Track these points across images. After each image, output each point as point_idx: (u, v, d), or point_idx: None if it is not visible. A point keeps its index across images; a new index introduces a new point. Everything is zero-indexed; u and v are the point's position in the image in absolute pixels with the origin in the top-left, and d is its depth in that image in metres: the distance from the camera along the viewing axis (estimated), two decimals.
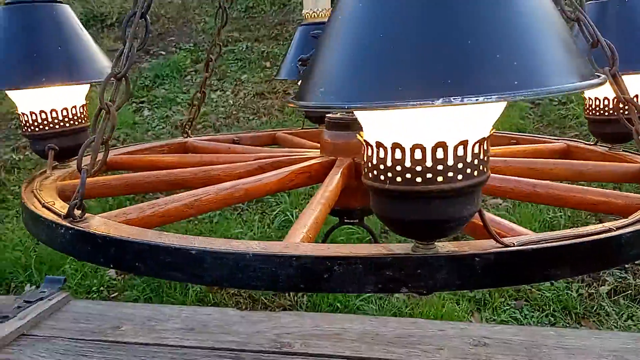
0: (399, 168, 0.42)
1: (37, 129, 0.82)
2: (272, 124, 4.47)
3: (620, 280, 2.80)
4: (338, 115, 0.89)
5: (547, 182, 0.71)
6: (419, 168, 0.41)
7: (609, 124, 0.93)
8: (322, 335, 1.36)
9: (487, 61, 0.36)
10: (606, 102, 0.92)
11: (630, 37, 0.87)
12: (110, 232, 0.51)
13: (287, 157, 0.89)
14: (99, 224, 0.55)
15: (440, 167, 0.40)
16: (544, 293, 2.73)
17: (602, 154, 0.96)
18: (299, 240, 0.49)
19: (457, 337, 1.37)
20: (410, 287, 0.44)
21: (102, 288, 2.85)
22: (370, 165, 0.43)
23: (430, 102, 0.34)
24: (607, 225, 0.51)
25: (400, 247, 0.46)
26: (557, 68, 0.38)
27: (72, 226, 0.54)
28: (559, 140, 1.07)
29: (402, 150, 0.42)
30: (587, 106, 0.95)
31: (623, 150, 0.96)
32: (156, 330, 1.38)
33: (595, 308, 2.68)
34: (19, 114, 0.84)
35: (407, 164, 0.41)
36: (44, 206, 0.62)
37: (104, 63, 0.84)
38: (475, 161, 0.41)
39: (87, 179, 0.58)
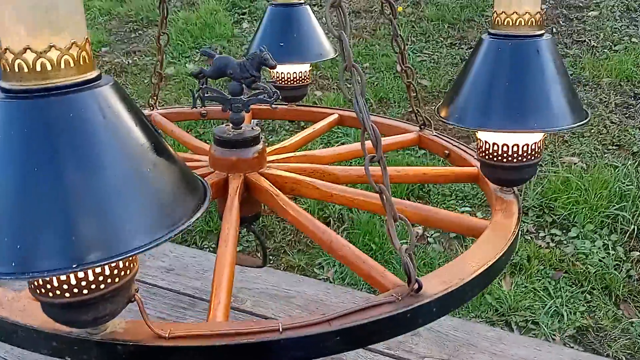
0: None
1: None
2: (358, 47, 4.40)
3: None
4: (226, 135, 0.95)
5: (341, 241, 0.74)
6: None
7: (496, 169, 0.89)
8: (275, 296, 1.50)
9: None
10: (495, 148, 0.87)
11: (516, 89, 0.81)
12: None
13: None
14: None
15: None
16: (588, 268, 2.59)
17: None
18: None
19: None
20: (71, 357, 0.54)
21: None
22: (34, 285, 0.51)
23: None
24: (281, 323, 0.56)
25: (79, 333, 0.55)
26: (136, 231, 0.44)
27: None
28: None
29: None
30: (478, 148, 0.90)
31: (507, 190, 0.92)
32: (144, 265, 1.60)
33: None
34: None
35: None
36: None
37: None
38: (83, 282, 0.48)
39: None
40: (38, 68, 0.43)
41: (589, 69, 3.79)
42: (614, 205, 2.82)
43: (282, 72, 1.35)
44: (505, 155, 0.85)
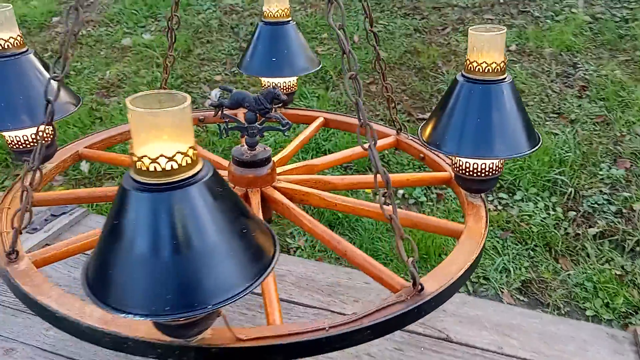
0: None
1: (15, 147, 1.13)
2: (316, 17, 4.52)
3: (610, 224, 2.92)
4: (244, 156, 1.12)
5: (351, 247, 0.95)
6: None
7: (467, 181, 1.11)
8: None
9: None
10: (467, 165, 1.08)
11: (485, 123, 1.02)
12: (20, 281, 0.83)
13: None
14: (23, 267, 0.87)
15: None
16: (531, 227, 2.92)
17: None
18: None
19: (377, 290, 1.67)
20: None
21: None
22: None
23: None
24: (326, 323, 0.77)
25: (178, 341, 0.74)
26: (235, 283, 0.63)
27: (5, 270, 0.86)
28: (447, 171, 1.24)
29: None
30: (453, 164, 1.12)
31: (480, 197, 1.14)
32: None
33: (577, 248, 2.86)
34: (4, 136, 1.14)
35: None
36: (1, 234, 0.95)
37: (64, 99, 1.10)
38: None
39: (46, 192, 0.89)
40: (168, 168, 0.60)
41: (532, 39, 4.06)
42: (554, 170, 3.15)
43: (271, 82, 1.51)
44: (475, 171, 1.07)
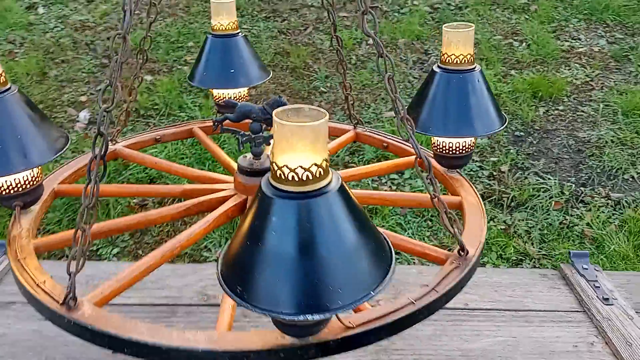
0: None
1: (4, 193, 1.03)
2: (176, 25, 4.43)
3: (487, 186, 3.35)
4: (254, 166, 1.15)
5: (389, 232, 1.05)
6: None
7: (448, 159, 1.27)
8: None
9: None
10: (450, 145, 1.24)
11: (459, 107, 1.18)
12: (98, 325, 0.79)
13: (208, 196, 1.15)
14: (89, 312, 0.83)
15: None
16: None
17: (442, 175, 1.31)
18: (226, 326, 0.81)
19: None
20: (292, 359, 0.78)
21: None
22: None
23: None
24: (411, 298, 0.86)
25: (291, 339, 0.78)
26: (370, 282, 0.69)
27: (70, 318, 0.81)
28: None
29: None
30: (434, 145, 1.27)
31: (457, 172, 1.32)
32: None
33: None
34: None
35: None
36: (38, 286, 0.88)
37: (53, 136, 1.03)
38: None
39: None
40: (304, 178, 0.65)
41: (386, 33, 4.44)
42: None
43: (224, 94, 1.53)
44: (457, 149, 1.24)
